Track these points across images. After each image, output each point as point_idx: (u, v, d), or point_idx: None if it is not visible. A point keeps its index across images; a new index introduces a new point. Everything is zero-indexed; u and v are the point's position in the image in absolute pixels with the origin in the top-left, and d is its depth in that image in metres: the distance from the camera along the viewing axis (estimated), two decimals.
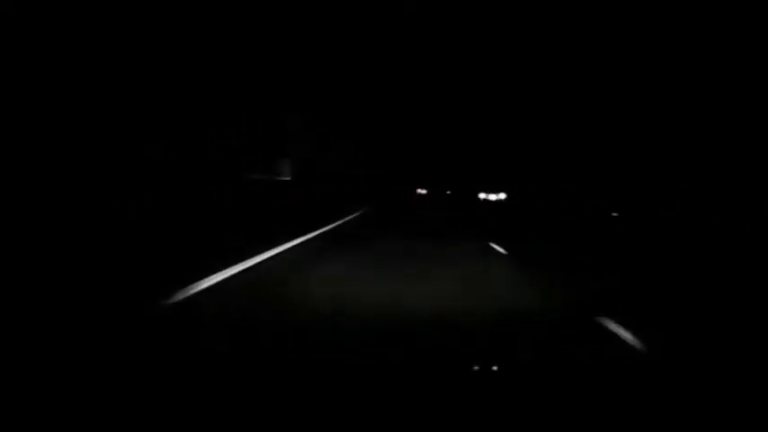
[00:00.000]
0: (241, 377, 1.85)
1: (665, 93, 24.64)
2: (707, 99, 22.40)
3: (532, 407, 1.62)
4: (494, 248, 10.55)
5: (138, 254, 7.28)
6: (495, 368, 2.34)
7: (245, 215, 15.08)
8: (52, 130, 13.57)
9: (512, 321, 4.51)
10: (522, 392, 1.80)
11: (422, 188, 61.67)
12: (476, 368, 2.33)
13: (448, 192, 59.49)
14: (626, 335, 3.95)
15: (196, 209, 14.51)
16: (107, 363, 1.97)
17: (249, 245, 8.25)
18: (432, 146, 65.58)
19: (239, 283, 5.83)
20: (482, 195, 57.35)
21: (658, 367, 2.53)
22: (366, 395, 1.68)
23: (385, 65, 44.70)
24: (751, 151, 20.39)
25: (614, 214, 26.30)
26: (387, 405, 1.59)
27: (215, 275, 5.86)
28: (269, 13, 22.87)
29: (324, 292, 5.52)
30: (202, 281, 5.51)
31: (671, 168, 24.94)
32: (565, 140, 35.77)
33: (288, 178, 25.33)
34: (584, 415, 1.59)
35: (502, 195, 54.01)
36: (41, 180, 12.04)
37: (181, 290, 4.98)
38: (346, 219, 18.94)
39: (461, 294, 5.69)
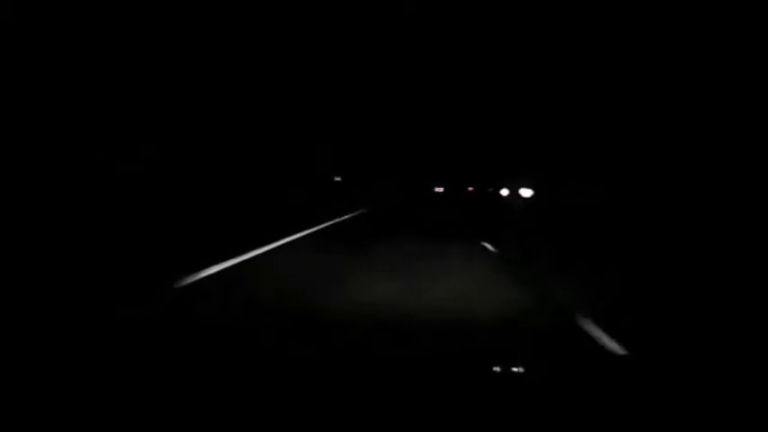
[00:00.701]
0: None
1: (665, 93, 24.72)
2: (707, 99, 22.47)
3: None
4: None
5: (131, 250, 7.36)
6: None
7: (242, 215, 15.10)
8: (53, 130, 13.56)
9: None
10: None
11: (438, 186, 60.16)
12: None
13: (470, 189, 57.87)
14: None
15: (193, 208, 14.52)
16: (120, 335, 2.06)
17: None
18: (431, 145, 65.40)
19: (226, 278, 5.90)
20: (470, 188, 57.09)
21: None
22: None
23: (385, 64, 44.84)
24: (751, 151, 20.40)
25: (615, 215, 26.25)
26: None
27: (208, 269, 5.94)
28: (269, 13, 22.93)
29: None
30: (204, 270, 5.60)
31: (671, 168, 24.98)
32: (564, 139, 35.85)
33: (288, 178, 25.38)
34: None
35: (504, 191, 54.11)
36: (42, 179, 12.06)
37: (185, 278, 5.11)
38: (346, 217, 18.91)
39: None
